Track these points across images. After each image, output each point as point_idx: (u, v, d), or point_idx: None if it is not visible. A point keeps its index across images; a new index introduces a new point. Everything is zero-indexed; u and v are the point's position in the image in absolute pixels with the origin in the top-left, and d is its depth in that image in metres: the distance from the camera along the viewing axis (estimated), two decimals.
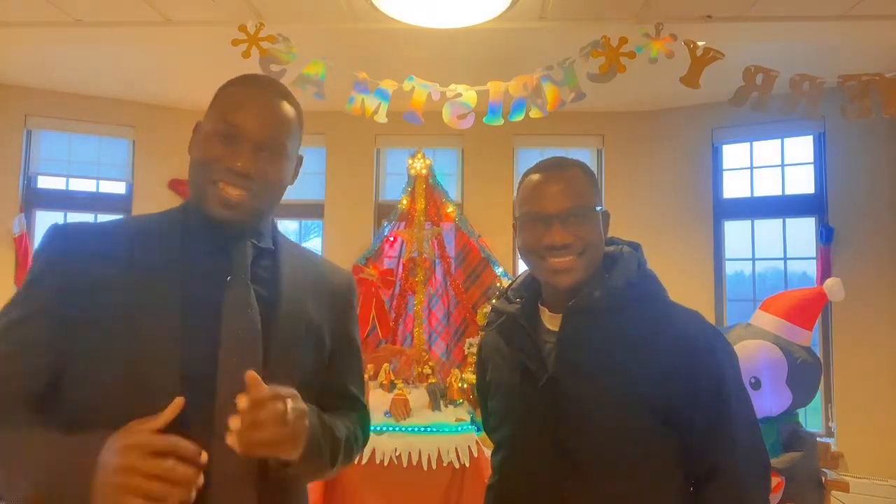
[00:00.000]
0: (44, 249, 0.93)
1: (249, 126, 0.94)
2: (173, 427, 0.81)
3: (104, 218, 3.75)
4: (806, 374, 2.59)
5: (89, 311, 0.87)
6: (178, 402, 0.82)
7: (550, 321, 1.16)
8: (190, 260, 0.94)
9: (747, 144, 3.82)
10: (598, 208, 1.14)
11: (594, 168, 3.99)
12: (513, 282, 1.30)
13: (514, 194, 1.23)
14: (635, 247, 1.21)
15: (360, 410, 1.13)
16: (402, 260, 3.66)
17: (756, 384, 2.56)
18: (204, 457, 0.80)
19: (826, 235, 3.39)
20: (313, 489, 2.65)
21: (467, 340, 3.49)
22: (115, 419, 0.80)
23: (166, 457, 0.76)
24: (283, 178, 1.01)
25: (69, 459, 0.78)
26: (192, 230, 0.97)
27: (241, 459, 0.84)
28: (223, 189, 0.93)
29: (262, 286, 0.97)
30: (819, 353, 3.08)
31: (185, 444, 0.78)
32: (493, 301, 1.32)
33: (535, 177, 1.15)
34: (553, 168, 1.16)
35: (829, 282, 2.68)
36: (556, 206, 1.10)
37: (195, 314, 0.90)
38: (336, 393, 1.09)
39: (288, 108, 1.00)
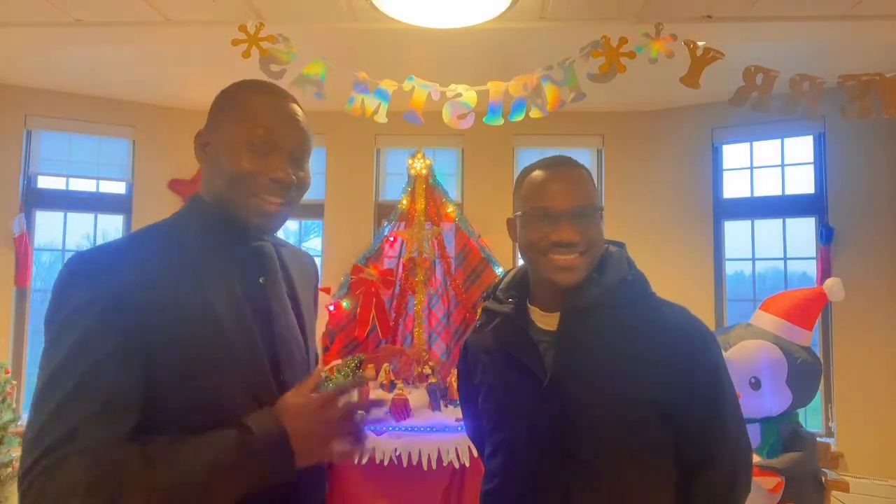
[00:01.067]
0: (88, 284, 0.85)
1: (285, 136, 0.97)
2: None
3: (104, 218, 3.68)
4: (806, 374, 2.59)
5: (162, 329, 0.86)
6: (318, 372, 0.96)
7: (542, 320, 1.16)
8: (226, 263, 0.97)
9: (747, 144, 3.82)
10: (602, 209, 1.14)
11: (594, 168, 3.99)
12: (499, 281, 1.29)
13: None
14: (620, 245, 1.22)
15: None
16: (402, 260, 3.66)
17: (756, 384, 2.56)
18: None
19: (826, 235, 3.39)
20: None
21: None
22: (213, 420, 0.86)
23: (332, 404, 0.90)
24: (310, 179, 1.05)
25: (264, 448, 0.84)
26: (215, 234, 0.98)
27: None
28: (265, 200, 0.96)
29: (285, 283, 1.07)
30: (819, 353, 3.08)
31: (342, 392, 0.91)
32: (484, 302, 1.28)
33: (542, 173, 1.15)
34: (560, 165, 1.15)
35: (829, 282, 2.68)
36: (565, 204, 1.10)
37: (251, 315, 0.95)
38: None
39: (304, 114, 1.04)
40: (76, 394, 0.79)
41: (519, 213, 1.16)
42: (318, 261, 3.94)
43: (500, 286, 1.26)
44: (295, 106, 1.01)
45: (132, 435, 0.82)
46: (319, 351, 3.37)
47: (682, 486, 1.10)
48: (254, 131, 0.95)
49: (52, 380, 0.80)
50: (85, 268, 0.87)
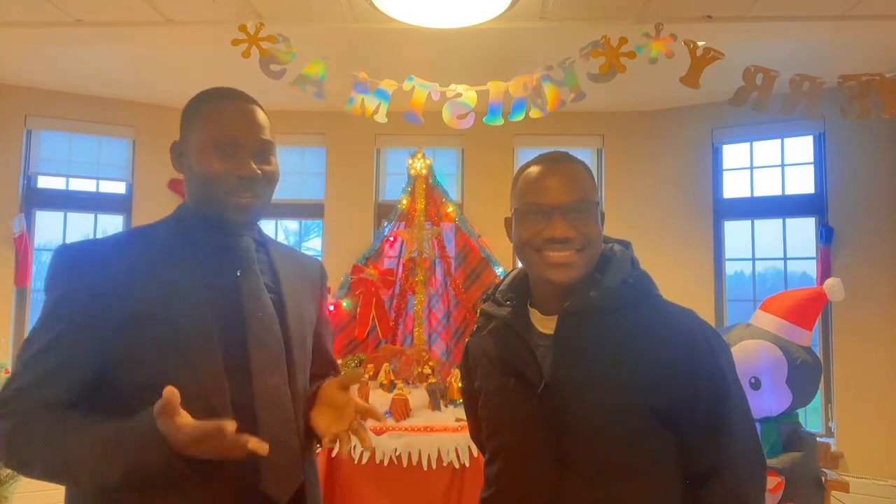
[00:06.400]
0: (61, 271, 1.00)
1: (246, 136, 1.07)
2: (220, 403, 0.97)
3: (104, 218, 3.70)
4: (806, 375, 2.59)
5: (120, 315, 0.97)
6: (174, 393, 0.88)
7: (541, 323, 1.12)
8: (201, 258, 1.06)
9: (747, 144, 3.82)
10: (599, 205, 1.10)
11: (594, 168, 3.99)
12: (500, 283, 1.25)
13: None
14: (626, 245, 1.17)
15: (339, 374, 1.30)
16: (402, 260, 3.66)
17: (756, 384, 2.56)
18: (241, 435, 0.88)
19: (826, 235, 3.39)
20: None
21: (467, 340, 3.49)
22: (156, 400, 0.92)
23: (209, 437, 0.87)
24: (277, 172, 1.13)
25: (135, 436, 0.88)
26: (194, 233, 1.09)
27: (285, 427, 1.04)
28: (237, 196, 1.06)
29: (265, 275, 1.12)
30: (819, 353, 3.09)
31: (213, 426, 0.86)
32: (482, 304, 1.26)
33: (536, 168, 1.12)
34: (556, 160, 1.12)
35: (828, 282, 2.68)
36: (559, 199, 1.07)
37: (221, 305, 1.03)
38: (323, 361, 1.27)
39: (263, 112, 1.13)
40: (25, 367, 0.95)
41: (514, 209, 1.14)
42: None
43: (500, 288, 1.22)
44: (254, 107, 1.11)
45: (73, 403, 0.94)
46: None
47: (689, 498, 1.06)
48: (218, 134, 1.05)
49: (20, 352, 0.98)
50: (60, 260, 1.01)
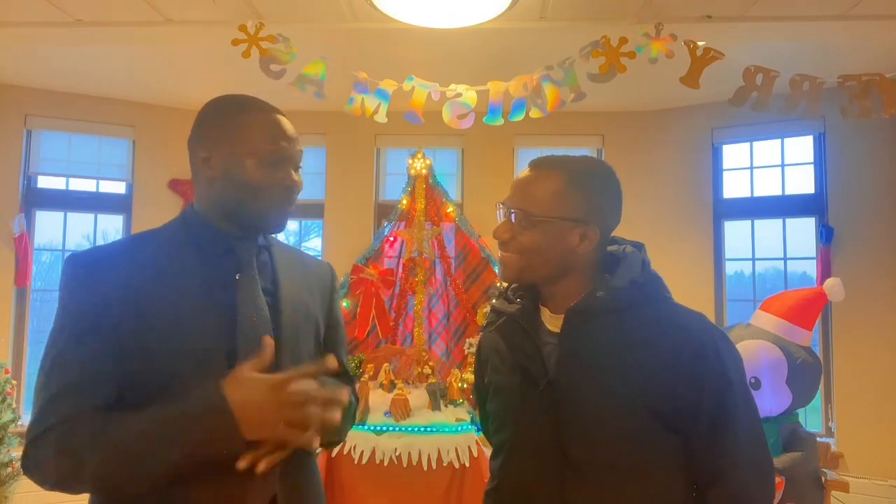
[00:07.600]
0: (74, 278, 1.01)
1: (291, 150, 1.11)
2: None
3: (104, 218, 3.71)
4: (806, 374, 2.59)
5: (131, 321, 0.98)
6: (269, 343, 0.97)
7: (551, 322, 1.13)
8: (203, 263, 1.07)
9: (747, 144, 3.82)
10: (563, 219, 1.08)
11: None
12: None
13: None
14: (639, 246, 1.17)
15: (350, 381, 1.29)
16: (402, 260, 3.66)
17: (756, 384, 2.57)
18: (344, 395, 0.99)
19: (826, 235, 3.39)
20: None
21: (467, 340, 3.49)
22: (169, 397, 0.95)
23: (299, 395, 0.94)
24: (302, 184, 1.17)
25: (204, 414, 0.91)
26: (198, 237, 1.10)
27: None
28: (282, 206, 1.10)
29: (265, 279, 1.12)
30: (819, 353, 3.08)
31: (315, 390, 0.95)
32: (493, 301, 1.28)
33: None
34: (535, 164, 1.14)
35: (829, 282, 2.68)
36: (509, 201, 1.12)
37: (220, 309, 1.04)
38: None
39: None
40: (51, 377, 0.96)
41: None
42: None
43: (512, 286, 1.23)
44: (286, 119, 1.13)
45: (108, 405, 0.95)
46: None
47: (694, 502, 1.06)
48: (266, 147, 1.07)
49: (40, 366, 0.98)
50: (69, 268, 1.02)
